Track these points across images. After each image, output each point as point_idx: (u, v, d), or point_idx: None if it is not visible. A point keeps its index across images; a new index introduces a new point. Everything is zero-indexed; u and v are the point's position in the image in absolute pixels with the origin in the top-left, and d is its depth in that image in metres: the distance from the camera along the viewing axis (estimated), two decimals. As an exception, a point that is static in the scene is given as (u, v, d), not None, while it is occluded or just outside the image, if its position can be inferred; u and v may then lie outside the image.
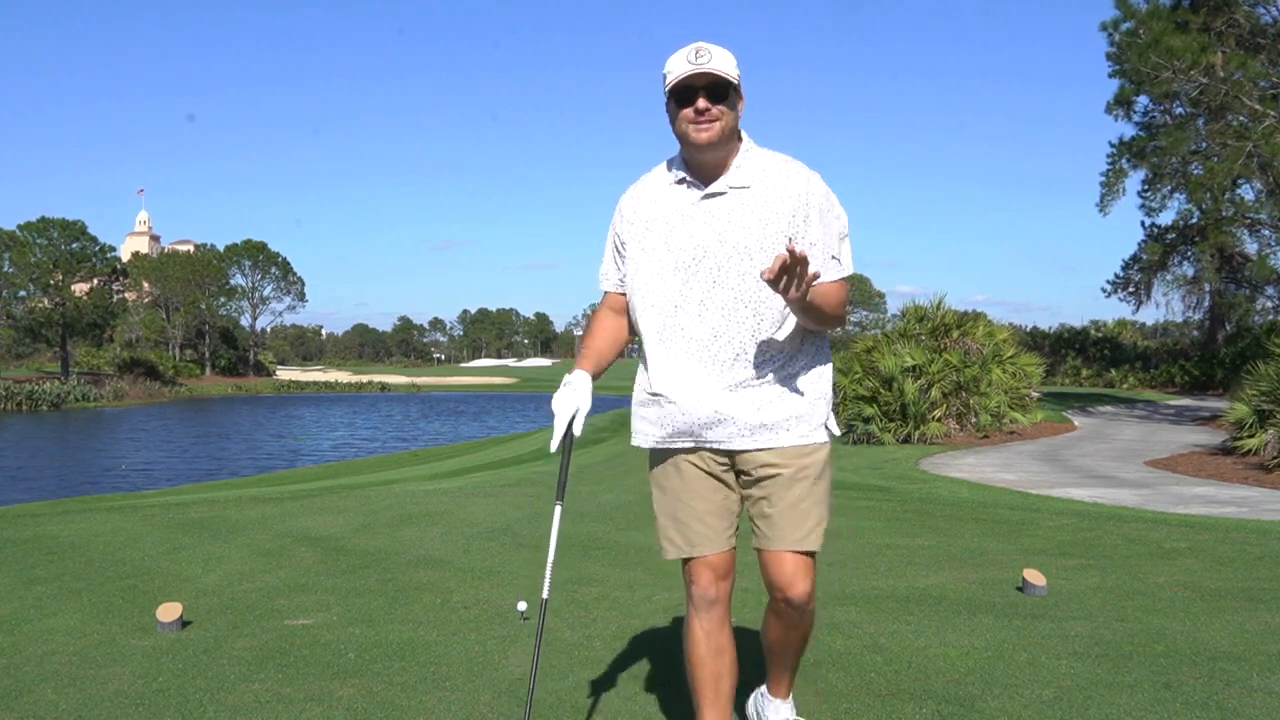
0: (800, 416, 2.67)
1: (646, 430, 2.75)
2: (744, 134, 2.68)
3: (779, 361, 2.65)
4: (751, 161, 2.65)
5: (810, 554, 2.69)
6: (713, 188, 2.63)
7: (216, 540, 6.86)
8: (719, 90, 2.53)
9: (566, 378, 2.70)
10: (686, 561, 2.74)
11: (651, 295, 2.68)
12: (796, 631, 2.79)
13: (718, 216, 2.62)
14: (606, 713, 3.38)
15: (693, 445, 2.69)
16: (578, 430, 2.67)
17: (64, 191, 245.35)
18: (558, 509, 2.77)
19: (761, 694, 3.10)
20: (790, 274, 2.31)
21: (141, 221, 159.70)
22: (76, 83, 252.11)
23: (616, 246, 2.78)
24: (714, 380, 2.63)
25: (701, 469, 2.71)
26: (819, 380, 2.72)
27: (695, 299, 2.62)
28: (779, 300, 2.56)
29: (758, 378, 2.63)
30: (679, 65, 2.54)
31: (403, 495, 9.83)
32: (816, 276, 2.36)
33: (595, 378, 2.73)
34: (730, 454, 2.69)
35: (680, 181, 2.68)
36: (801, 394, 2.67)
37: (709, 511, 2.71)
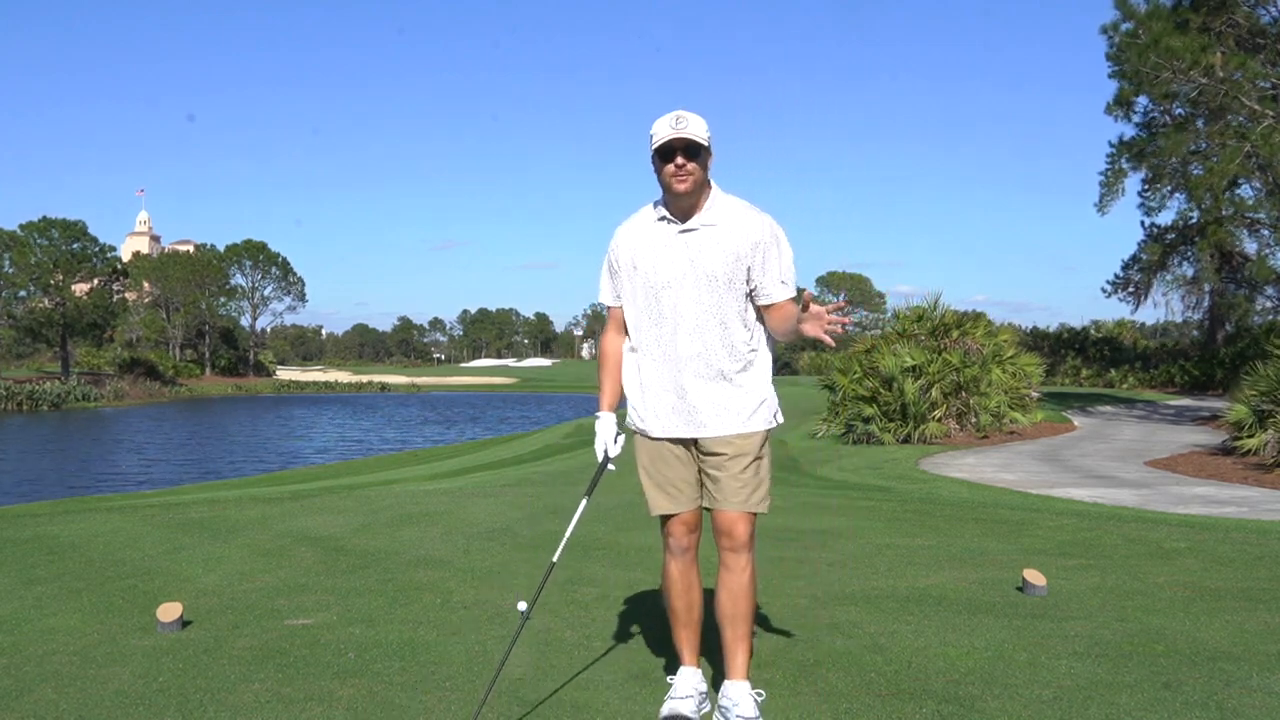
0: (742, 410, 3.29)
1: (636, 420, 3.43)
2: (712, 182, 3.31)
3: (735, 367, 3.29)
4: (718, 205, 3.30)
5: (750, 513, 3.31)
6: (689, 224, 3.28)
7: (216, 540, 6.86)
8: (693, 150, 3.19)
9: (596, 425, 3.44)
10: (666, 518, 3.39)
11: (641, 310, 3.35)
12: (741, 579, 3.31)
13: (692, 247, 3.27)
14: (606, 713, 3.38)
15: (668, 434, 3.34)
16: (613, 463, 3.41)
17: (64, 191, 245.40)
18: (585, 501, 3.46)
19: (722, 692, 3.33)
20: (818, 319, 3.03)
21: (141, 221, 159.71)
22: (77, 83, 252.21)
23: (612, 269, 3.43)
24: (686, 381, 3.29)
25: (673, 450, 3.35)
26: (762, 382, 3.34)
27: (673, 313, 3.29)
28: (735, 314, 3.27)
29: (718, 379, 3.29)
30: (663, 129, 3.19)
31: (403, 495, 9.83)
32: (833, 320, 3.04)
33: (616, 409, 3.47)
34: (695, 439, 3.34)
35: (662, 219, 3.32)
36: (747, 393, 3.30)
37: (682, 480, 3.36)
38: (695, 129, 3.17)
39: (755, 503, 3.30)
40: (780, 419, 3.39)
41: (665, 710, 3.32)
